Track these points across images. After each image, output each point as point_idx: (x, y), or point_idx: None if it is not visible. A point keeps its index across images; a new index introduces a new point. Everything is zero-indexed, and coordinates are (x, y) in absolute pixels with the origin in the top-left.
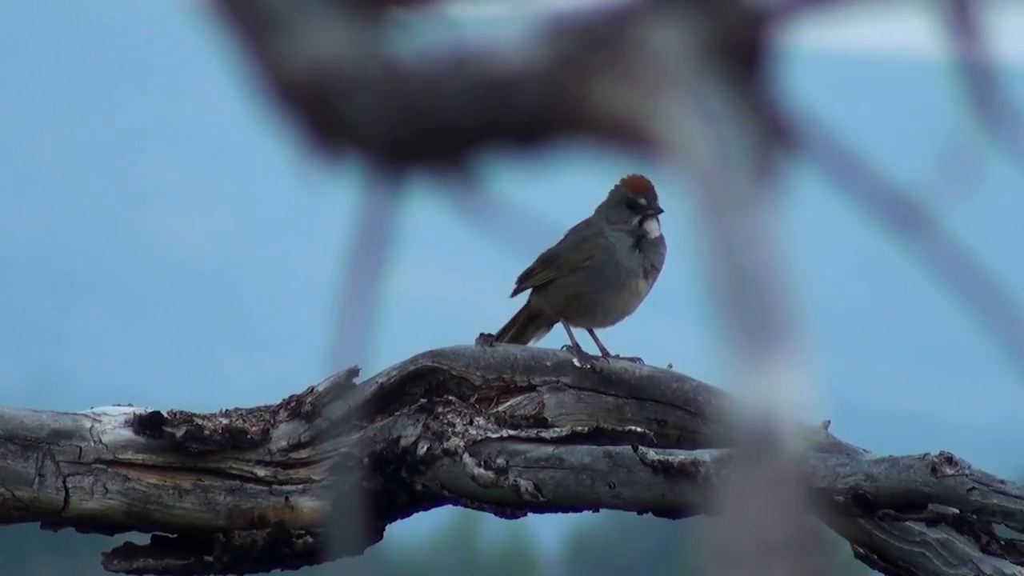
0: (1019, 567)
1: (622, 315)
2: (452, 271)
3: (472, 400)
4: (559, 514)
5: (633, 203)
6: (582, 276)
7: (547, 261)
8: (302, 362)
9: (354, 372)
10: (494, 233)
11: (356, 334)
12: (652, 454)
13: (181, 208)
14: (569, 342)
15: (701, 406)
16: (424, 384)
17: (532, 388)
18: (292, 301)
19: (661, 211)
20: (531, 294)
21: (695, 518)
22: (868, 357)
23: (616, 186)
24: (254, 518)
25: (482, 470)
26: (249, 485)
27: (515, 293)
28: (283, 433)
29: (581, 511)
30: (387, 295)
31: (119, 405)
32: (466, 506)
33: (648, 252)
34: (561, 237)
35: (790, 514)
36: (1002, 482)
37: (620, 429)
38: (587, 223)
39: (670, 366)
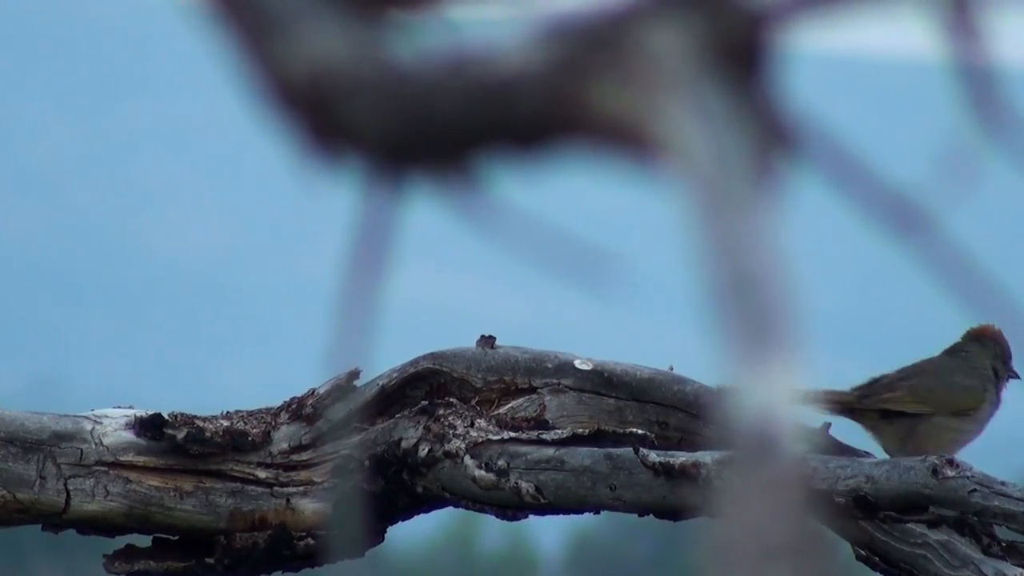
0: (1020, 569)
1: None
2: (452, 274)
3: (473, 402)
4: (560, 516)
5: (1005, 360)
6: (966, 423)
7: (918, 391)
8: (303, 364)
9: (355, 374)
10: (494, 236)
11: (356, 336)
12: (653, 456)
13: (181, 210)
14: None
15: (702, 408)
16: (425, 386)
17: (533, 390)
18: (293, 303)
19: (1018, 376)
20: (876, 414)
21: (696, 520)
22: (867, 359)
23: (994, 337)
24: (255, 520)
25: (483, 472)
26: (250, 487)
27: (858, 401)
28: (284, 435)
29: (582, 513)
30: (387, 297)
31: (120, 407)
32: (467, 508)
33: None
34: (924, 364)
35: (790, 515)
36: (1003, 484)
37: (621, 431)
38: (970, 366)
39: (671, 368)
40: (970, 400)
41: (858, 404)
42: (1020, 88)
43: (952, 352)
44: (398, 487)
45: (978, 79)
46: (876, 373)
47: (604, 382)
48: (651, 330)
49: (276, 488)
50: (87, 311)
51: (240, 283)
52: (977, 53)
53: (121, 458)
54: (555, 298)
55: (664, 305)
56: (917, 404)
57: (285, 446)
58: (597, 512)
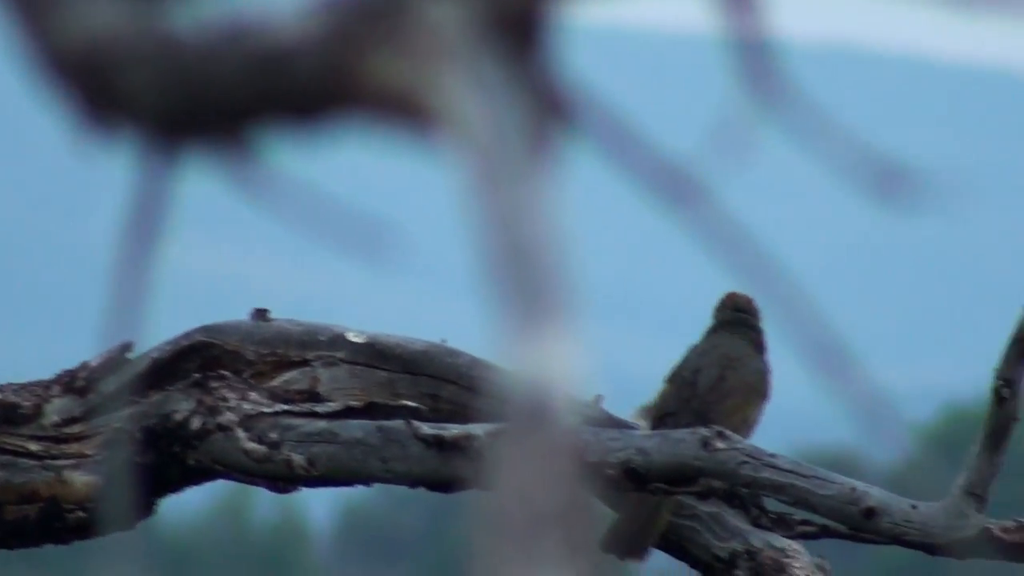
0: (788, 540)
1: None
2: (228, 246)
3: (246, 375)
4: (332, 488)
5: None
6: (763, 408)
7: (750, 391)
8: (78, 337)
9: (127, 347)
10: (270, 207)
11: (130, 308)
12: (425, 428)
13: None
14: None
15: (475, 381)
16: (198, 359)
17: (306, 363)
18: (69, 275)
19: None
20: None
21: (468, 492)
22: (641, 330)
23: (749, 303)
24: (26, 493)
25: (255, 444)
26: (21, 460)
27: (698, 416)
28: (56, 408)
29: (353, 485)
30: (162, 269)
31: None
32: (239, 480)
33: None
34: (725, 348)
35: (559, 484)
36: (772, 456)
37: (393, 404)
38: (753, 346)
39: (444, 341)
40: (766, 385)
41: (701, 416)
42: (794, 61)
43: (730, 329)
44: (170, 460)
45: (752, 52)
46: (652, 347)
47: (377, 355)
48: (427, 303)
49: (48, 461)
50: None
51: (15, 254)
52: (752, 26)
53: None
54: (332, 271)
55: (440, 278)
56: (748, 405)
57: (57, 419)
58: (369, 484)
